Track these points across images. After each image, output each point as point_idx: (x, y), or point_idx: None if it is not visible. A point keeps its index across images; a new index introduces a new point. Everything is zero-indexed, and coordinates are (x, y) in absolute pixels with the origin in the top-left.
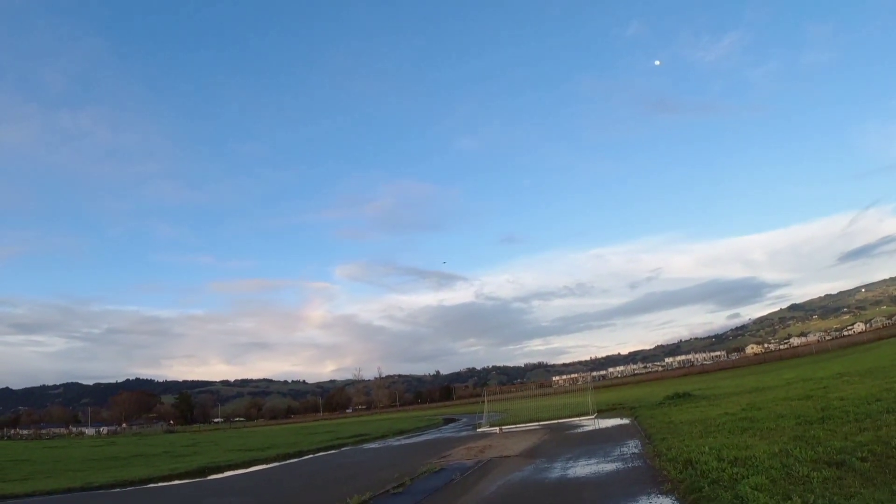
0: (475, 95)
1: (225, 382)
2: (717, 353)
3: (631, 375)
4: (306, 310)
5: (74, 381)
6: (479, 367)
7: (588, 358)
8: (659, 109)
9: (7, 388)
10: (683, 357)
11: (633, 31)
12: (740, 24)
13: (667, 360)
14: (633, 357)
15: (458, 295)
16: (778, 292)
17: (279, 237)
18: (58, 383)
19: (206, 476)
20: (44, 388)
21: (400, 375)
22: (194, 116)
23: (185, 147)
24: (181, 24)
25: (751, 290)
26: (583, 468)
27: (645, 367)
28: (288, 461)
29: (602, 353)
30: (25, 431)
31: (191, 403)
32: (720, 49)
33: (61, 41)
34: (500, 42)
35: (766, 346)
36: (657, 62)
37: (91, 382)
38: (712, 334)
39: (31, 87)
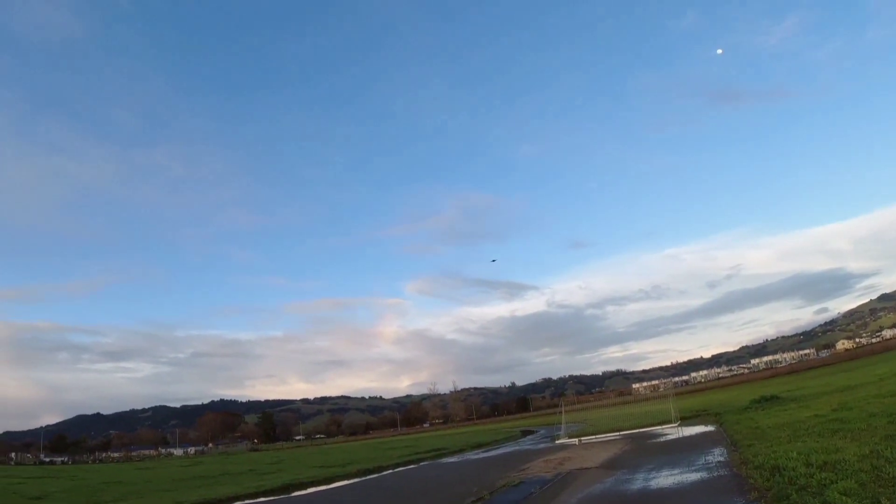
0: (532, 102)
1: (305, 400)
2: (806, 350)
3: (715, 379)
4: (379, 326)
5: (162, 404)
6: (555, 377)
7: (668, 363)
8: (721, 99)
9: (98, 414)
10: (770, 357)
11: (689, 21)
12: (800, 3)
13: (752, 361)
14: (717, 360)
15: (529, 304)
16: (866, 282)
17: (349, 256)
18: (146, 407)
19: (290, 493)
20: (133, 412)
21: (475, 388)
22: (262, 145)
23: (254, 174)
24: (244, 59)
25: (837, 281)
26: (665, 479)
27: (729, 370)
28: (368, 476)
29: (683, 358)
30: (116, 454)
31: (273, 422)
32: (781, 32)
33: (131, 82)
34: (554, 45)
35: (857, 340)
36: (719, 51)
37: (178, 405)
38: (800, 331)
39: (105, 127)
